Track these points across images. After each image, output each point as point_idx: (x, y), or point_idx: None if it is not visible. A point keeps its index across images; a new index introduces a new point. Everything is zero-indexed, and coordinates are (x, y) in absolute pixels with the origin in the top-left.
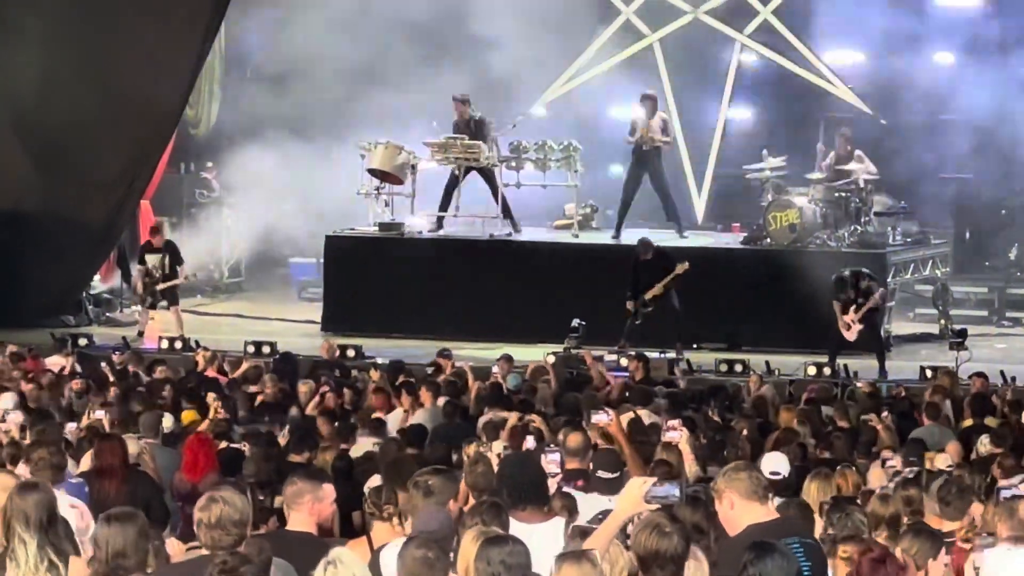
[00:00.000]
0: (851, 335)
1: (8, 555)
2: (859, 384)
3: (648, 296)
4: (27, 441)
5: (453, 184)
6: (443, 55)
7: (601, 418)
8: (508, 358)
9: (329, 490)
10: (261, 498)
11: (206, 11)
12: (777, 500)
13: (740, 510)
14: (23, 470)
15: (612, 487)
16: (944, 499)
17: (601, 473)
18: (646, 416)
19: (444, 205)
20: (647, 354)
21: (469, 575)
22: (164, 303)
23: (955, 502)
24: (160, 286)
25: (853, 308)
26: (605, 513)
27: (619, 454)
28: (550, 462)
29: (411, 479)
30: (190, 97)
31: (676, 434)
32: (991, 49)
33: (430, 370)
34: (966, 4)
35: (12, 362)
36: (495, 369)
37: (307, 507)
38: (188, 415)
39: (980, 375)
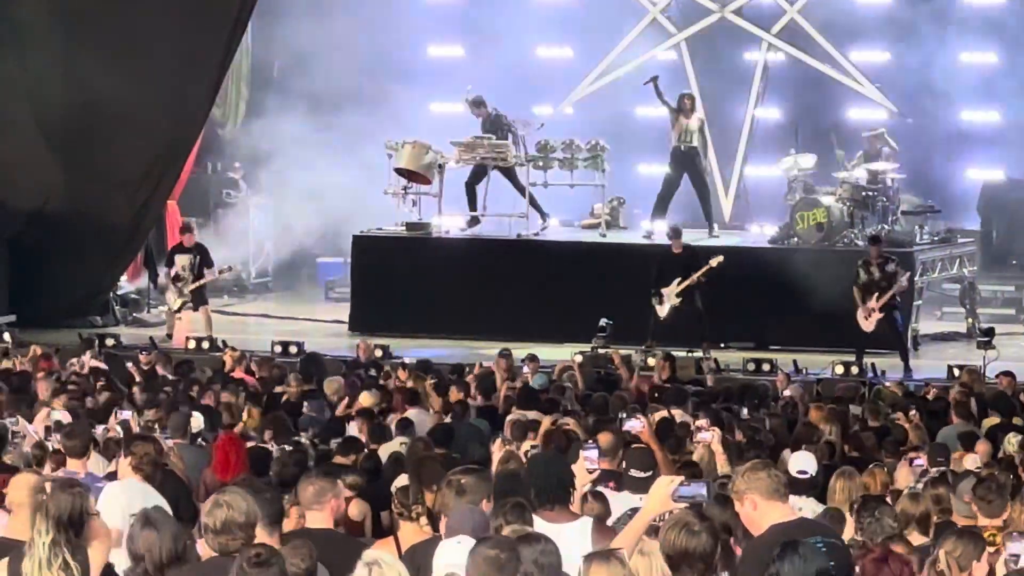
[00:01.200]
0: (869, 324)
1: (27, 546)
2: (887, 383)
3: (677, 291)
4: (52, 442)
5: (475, 181)
6: (469, 53)
7: (634, 425)
8: (533, 357)
9: (342, 486)
10: (286, 497)
11: (233, 9)
12: (811, 506)
13: (763, 510)
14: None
15: (644, 486)
16: (984, 498)
17: (633, 472)
18: (679, 416)
19: (472, 204)
20: (674, 353)
21: None
22: (191, 305)
23: (996, 500)
24: (189, 287)
25: (876, 296)
26: (634, 511)
27: (652, 453)
28: (586, 459)
29: (444, 478)
30: (217, 96)
31: (707, 434)
32: (1020, 45)
33: (452, 376)
34: (994, 1)
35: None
36: (525, 369)
37: (329, 505)
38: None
39: (1007, 373)
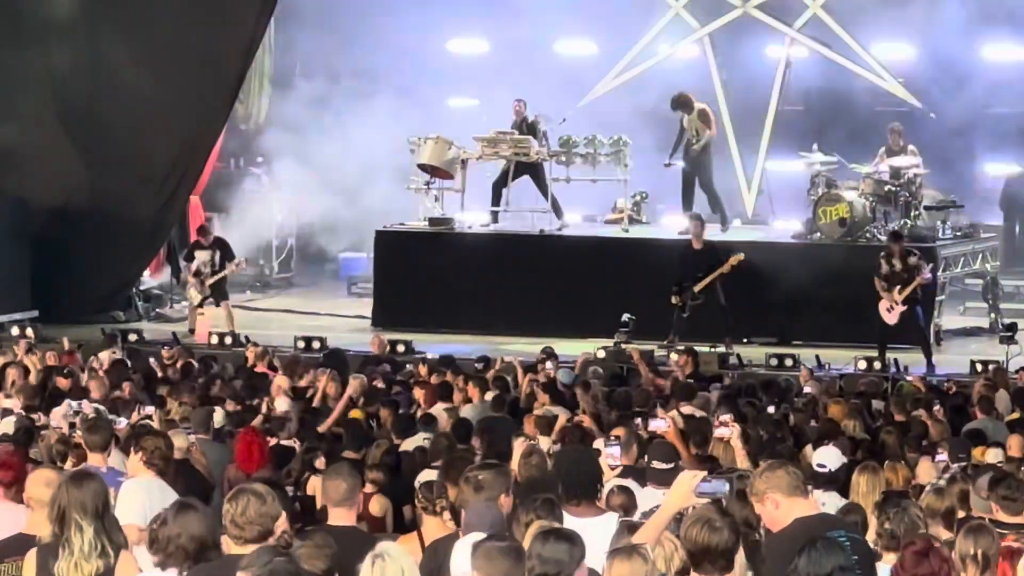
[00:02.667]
0: (892, 317)
1: (62, 544)
2: (909, 378)
3: (698, 288)
4: (76, 438)
5: (503, 180)
6: (494, 51)
7: (659, 425)
8: (552, 353)
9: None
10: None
11: (255, 5)
12: (834, 501)
13: (785, 508)
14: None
15: (666, 478)
16: (1005, 496)
17: (656, 464)
18: (695, 411)
19: (495, 200)
20: (697, 349)
21: None
22: (212, 300)
23: (1018, 497)
24: (208, 280)
25: (898, 288)
26: (656, 508)
27: (673, 447)
28: (609, 455)
29: (463, 474)
30: (239, 92)
31: (727, 430)
32: None
33: (479, 366)
34: None
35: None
36: (549, 365)
37: (353, 503)
38: None
39: None
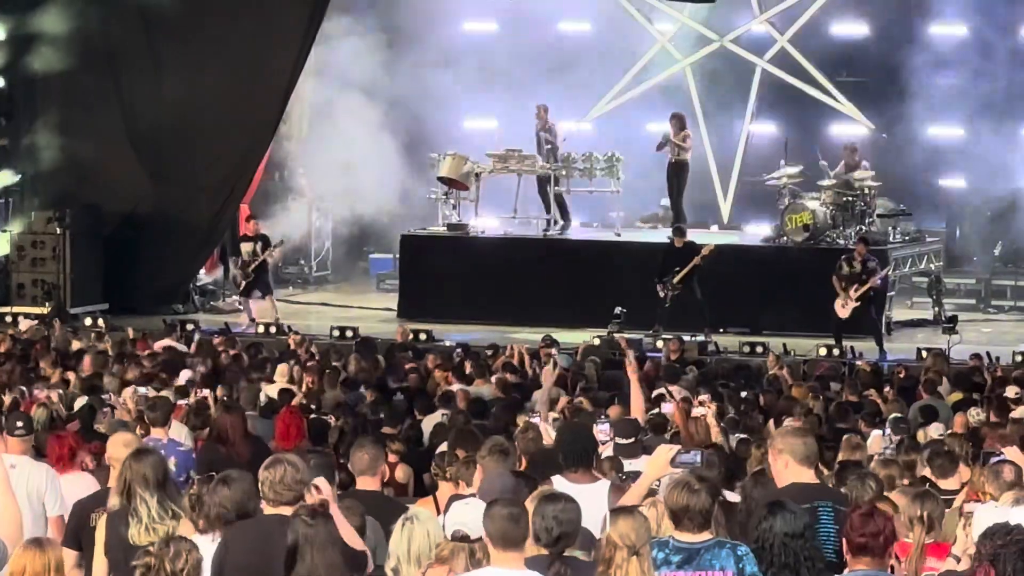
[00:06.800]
0: (844, 312)
1: (131, 512)
2: (861, 363)
3: (676, 280)
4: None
5: (541, 189)
6: (510, 78)
7: (668, 408)
8: (553, 341)
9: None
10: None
11: (299, 35)
12: None
13: (792, 471)
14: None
15: (628, 451)
16: (932, 462)
17: (619, 439)
18: (677, 392)
19: (547, 207)
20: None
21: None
22: (259, 293)
23: (943, 463)
24: (252, 267)
25: (855, 287)
26: (629, 474)
27: (635, 423)
28: (600, 431)
29: (486, 446)
30: (284, 113)
31: (703, 409)
32: (980, 71)
33: (490, 352)
34: (953, 32)
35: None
36: (554, 351)
37: (376, 472)
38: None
39: (976, 356)
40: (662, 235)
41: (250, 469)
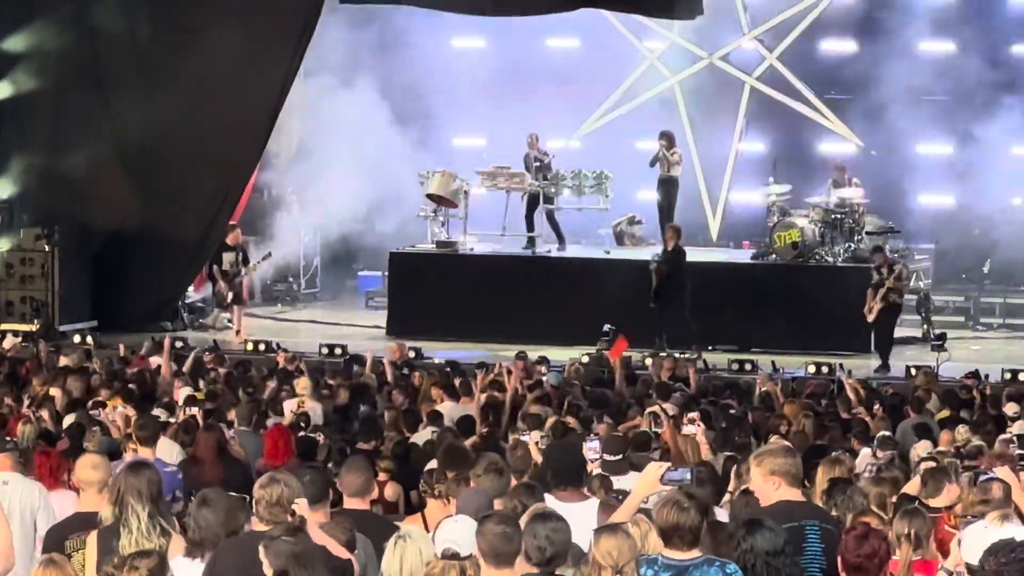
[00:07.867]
0: (871, 317)
1: (122, 524)
2: (850, 381)
3: (653, 290)
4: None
5: (530, 209)
6: (499, 95)
7: (690, 430)
8: (522, 355)
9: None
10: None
11: (287, 55)
12: None
13: (782, 490)
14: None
15: (616, 467)
16: (923, 480)
17: (607, 456)
18: (669, 408)
19: (529, 226)
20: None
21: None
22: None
23: (931, 481)
24: (237, 279)
25: (881, 294)
26: (618, 492)
27: (623, 439)
28: (589, 449)
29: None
30: (272, 131)
31: (693, 428)
32: (966, 92)
33: (478, 370)
34: (942, 49)
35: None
36: (543, 369)
37: (367, 494)
38: None
39: (973, 375)
40: (649, 253)
41: (224, 489)
